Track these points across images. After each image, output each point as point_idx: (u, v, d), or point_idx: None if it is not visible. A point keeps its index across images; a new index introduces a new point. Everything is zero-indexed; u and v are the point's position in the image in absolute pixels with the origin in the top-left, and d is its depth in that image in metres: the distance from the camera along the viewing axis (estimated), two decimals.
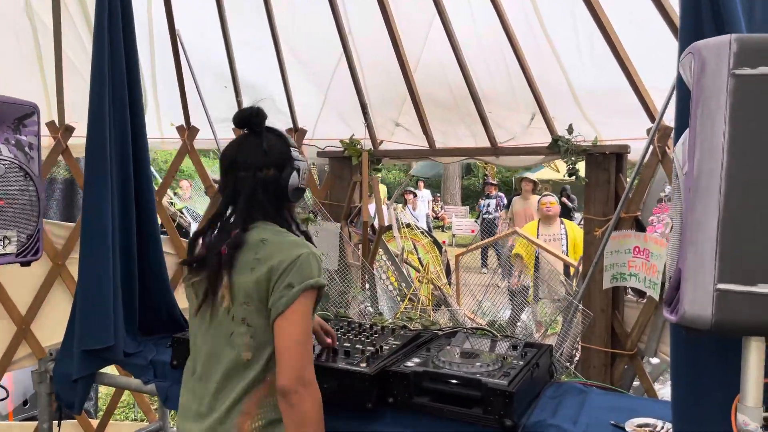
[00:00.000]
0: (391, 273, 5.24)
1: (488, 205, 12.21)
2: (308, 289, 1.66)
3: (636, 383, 3.73)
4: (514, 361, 2.33)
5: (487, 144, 3.86)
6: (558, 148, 3.53)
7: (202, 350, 1.80)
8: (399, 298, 5.28)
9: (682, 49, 1.67)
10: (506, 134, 3.84)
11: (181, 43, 3.78)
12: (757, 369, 1.39)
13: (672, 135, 3.23)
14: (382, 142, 4.25)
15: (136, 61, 2.83)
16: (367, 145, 4.09)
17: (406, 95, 3.89)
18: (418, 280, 4.27)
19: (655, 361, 3.77)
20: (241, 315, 1.71)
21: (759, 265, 1.25)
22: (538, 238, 5.37)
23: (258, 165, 1.75)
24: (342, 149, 4.08)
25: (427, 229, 7.50)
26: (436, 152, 4.03)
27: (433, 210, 17.16)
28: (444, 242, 13.69)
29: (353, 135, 4.05)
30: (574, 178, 3.52)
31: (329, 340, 2.34)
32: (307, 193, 4.59)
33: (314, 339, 2.34)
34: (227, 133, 4.27)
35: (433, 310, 5.05)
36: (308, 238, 1.83)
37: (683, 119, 1.75)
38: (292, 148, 1.83)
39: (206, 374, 1.78)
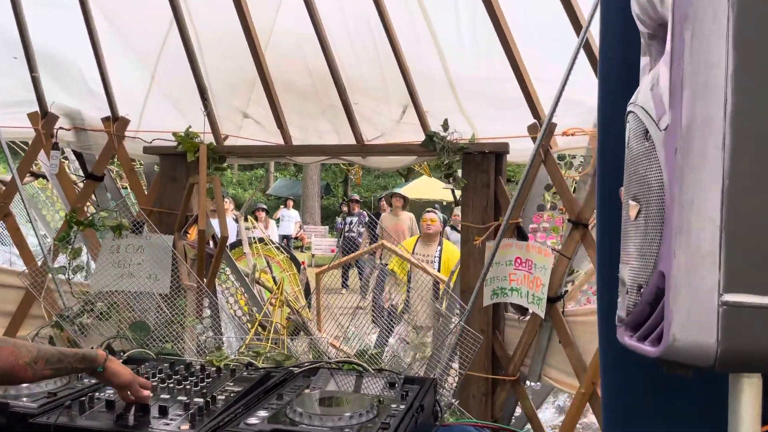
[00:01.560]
0: (241, 296, 4.56)
1: (350, 223, 11.82)
2: None
3: (518, 412, 3.41)
4: (394, 405, 1.82)
5: (352, 141, 3.36)
6: (433, 145, 3.14)
7: None
8: (250, 326, 4.63)
9: None
10: (374, 130, 3.38)
11: None
12: (753, 417, 0.97)
13: (556, 130, 2.96)
14: (227, 137, 3.59)
15: None
16: (209, 139, 3.42)
17: (255, 79, 3.30)
18: (272, 303, 3.65)
19: (536, 386, 3.47)
20: None
21: None
22: (413, 255, 4.97)
23: None
24: (176, 143, 3.36)
25: (286, 248, 6.84)
26: (293, 150, 3.46)
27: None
28: (303, 263, 13.11)
29: (190, 127, 3.37)
30: (451, 180, 3.13)
31: (144, 392, 1.64)
32: (132, 200, 3.79)
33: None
34: (20, 120, 3.38)
35: (289, 338, 4.47)
36: None
37: (611, 79, 1.37)
38: None
39: None
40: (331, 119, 3.42)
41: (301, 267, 5.05)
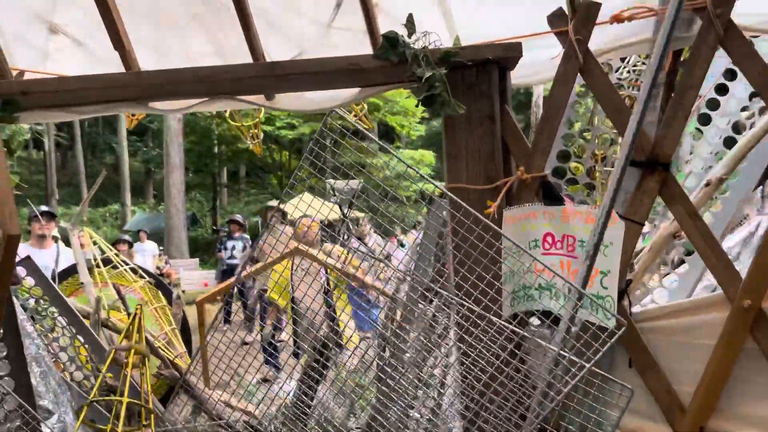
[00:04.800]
0: (81, 347, 3.04)
1: (233, 248, 10.27)
2: None
3: None
4: None
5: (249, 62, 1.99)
6: (397, 55, 1.85)
7: None
8: (98, 393, 3.06)
9: None
10: (290, 46, 2.04)
11: None
12: None
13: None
14: (23, 72, 2.07)
15: None
16: None
17: None
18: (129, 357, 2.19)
19: None
20: None
21: None
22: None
23: None
24: None
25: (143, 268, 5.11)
26: (144, 82, 1.99)
27: (157, 267, 15.19)
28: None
29: None
30: (438, 107, 1.86)
31: None
32: None
33: None
34: None
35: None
36: None
37: None
38: None
39: None
40: (209, 29, 2.02)
41: (173, 296, 3.50)
